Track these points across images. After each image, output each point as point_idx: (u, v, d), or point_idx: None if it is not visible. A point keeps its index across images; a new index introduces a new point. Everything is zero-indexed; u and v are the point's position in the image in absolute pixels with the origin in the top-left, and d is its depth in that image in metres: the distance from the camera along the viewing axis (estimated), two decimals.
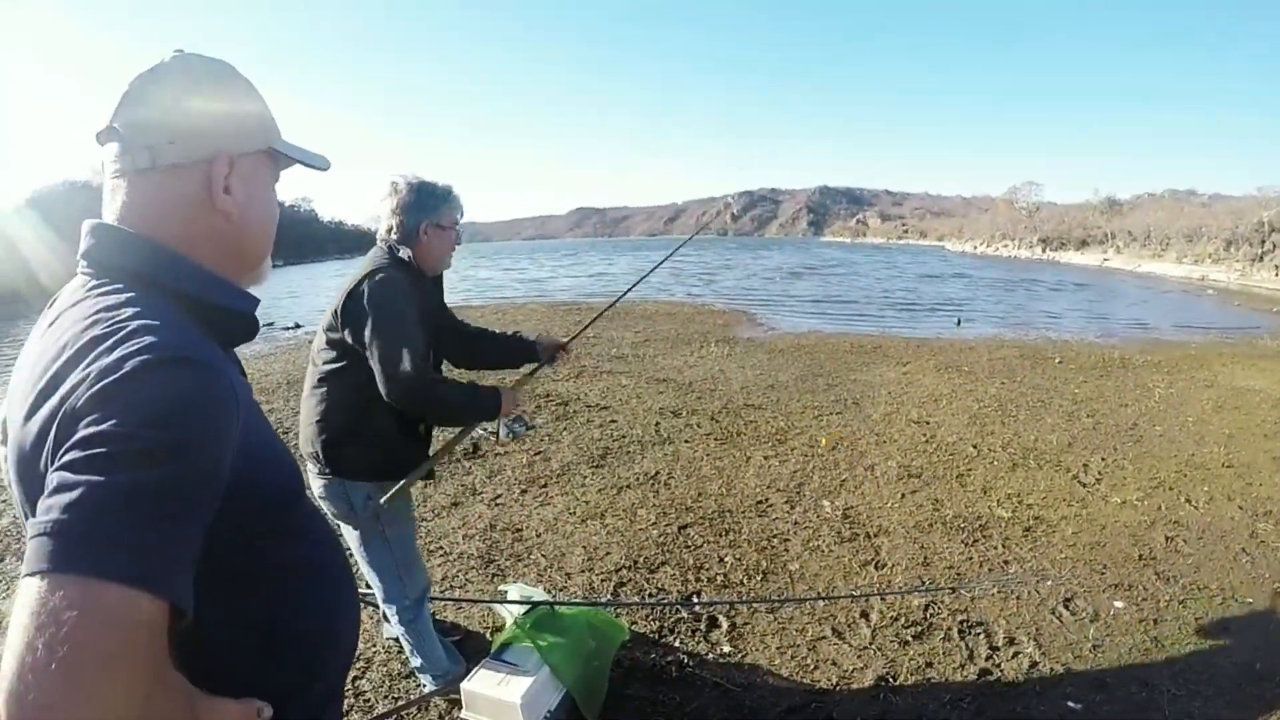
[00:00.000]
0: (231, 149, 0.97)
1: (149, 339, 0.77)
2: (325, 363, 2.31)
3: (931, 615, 3.28)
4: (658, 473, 5.15)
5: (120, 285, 0.87)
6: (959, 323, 15.14)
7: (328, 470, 2.33)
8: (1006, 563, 3.80)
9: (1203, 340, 12.38)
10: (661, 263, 3.97)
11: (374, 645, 3.03)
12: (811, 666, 2.93)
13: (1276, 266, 29.82)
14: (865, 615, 3.28)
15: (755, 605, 3.38)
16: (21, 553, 3.91)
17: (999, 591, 3.49)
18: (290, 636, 0.97)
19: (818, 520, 4.34)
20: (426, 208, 2.33)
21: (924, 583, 3.60)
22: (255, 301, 1.04)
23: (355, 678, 2.82)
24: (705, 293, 21.23)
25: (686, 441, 5.91)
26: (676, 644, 3.08)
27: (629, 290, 3.57)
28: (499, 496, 4.72)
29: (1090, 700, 2.70)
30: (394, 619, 2.56)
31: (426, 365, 2.19)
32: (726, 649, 3.05)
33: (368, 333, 2.15)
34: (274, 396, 7.53)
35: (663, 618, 3.27)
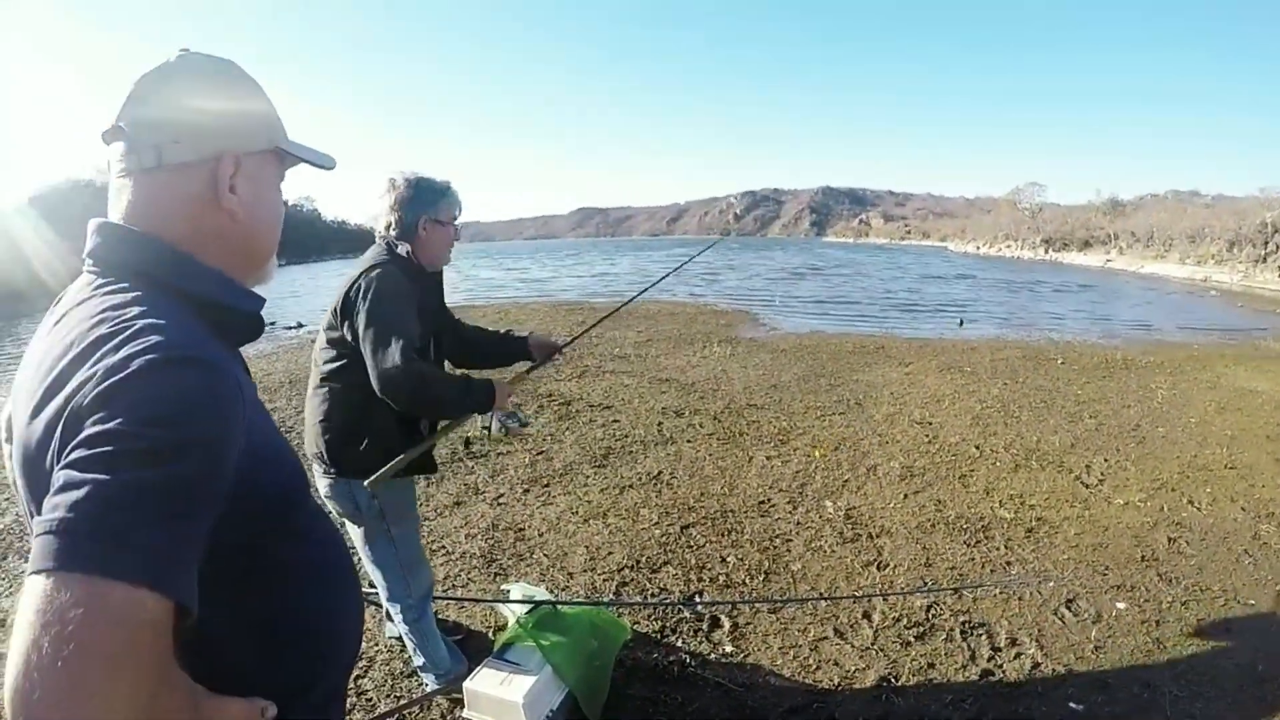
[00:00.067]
0: (237, 148, 0.97)
1: (155, 338, 0.77)
2: (326, 362, 2.32)
3: (934, 616, 3.28)
4: (660, 473, 5.15)
5: (126, 284, 0.88)
6: (961, 323, 15.12)
7: (332, 470, 2.33)
8: (1009, 564, 3.80)
9: (1205, 341, 12.36)
10: (667, 275, 4.03)
11: (376, 644, 3.03)
12: (814, 667, 2.93)
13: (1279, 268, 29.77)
14: (867, 616, 3.28)
15: (757, 605, 3.38)
16: (23, 551, 3.93)
17: (1001, 592, 3.48)
18: (294, 636, 0.98)
19: (820, 520, 4.34)
20: (425, 203, 2.34)
21: (926, 583, 3.60)
22: (261, 301, 1.04)
23: (357, 677, 2.83)
24: (708, 293, 21.22)
25: (689, 441, 5.91)
26: (679, 644, 3.08)
27: (629, 301, 3.61)
28: (501, 496, 4.72)
29: (1092, 701, 2.70)
30: (397, 618, 2.56)
31: (418, 358, 2.17)
32: (729, 649, 3.05)
33: (361, 326, 2.15)
34: (276, 395, 7.55)
35: (665, 617, 3.28)
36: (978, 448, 5.74)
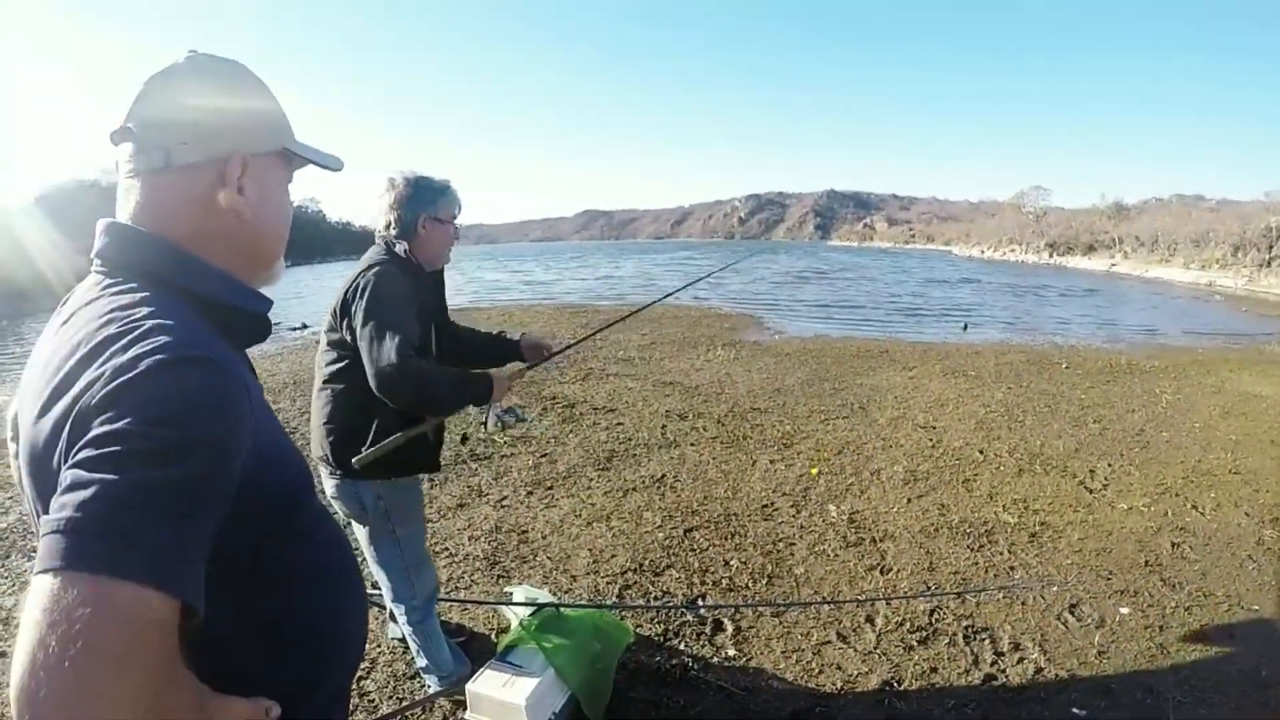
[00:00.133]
0: (245, 149, 0.98)
1: (163, 338, 0.78)
2: (328, 364, 2.32)
3: (937, 620, 3.28)
4: (664, 476, 5.15)
5: (134, 284, 0.88)
6: (965, 327, 15.10)
7: (338, 471, 2.34)
8: (1012, 568, 3.79)
9: (1210, 346, 12.32)
10: (675, 290, 4.08)
11: (379, 645, 3.03)
12: (816, 671, 2.93)
13: None
14: (870, 620, 3.28)
15: (760, 609, 3.38)
16: (26, 550, 3.94)
17: (1004, 597, 3.48)
18: (298, 636, 0.98)
19: (823, 524, 4.33)
20: (424, 201, 2.34)
21: (929, 588, 3.59)
22: (268, 303, 1.04)
23: (360, 678, 2.83)
24: (712, 296, 21.20)
25: (693, 445, 5.91)
26: (681, 647, 3.08)
27: (629, 315, 3.67)
28: (505, 498, 4.72)
29: (1095, 706, 2.70)
30: (402, 619, 2.57)
31: (415, 356, 2.15)
32: (731, 652, 3.05)
33: (359, 326, 2.16)
34: (280, 396, 7.56)
35: (668, 621, 3.27)
36: (981, 452, 5.73)
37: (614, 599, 3.46)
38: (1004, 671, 2.91)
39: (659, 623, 3.26)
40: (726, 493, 4.84)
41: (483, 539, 4.10)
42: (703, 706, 2.69)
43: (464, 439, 5.51)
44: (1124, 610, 3.37)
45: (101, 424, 0.71)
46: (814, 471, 5.26)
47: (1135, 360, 10.27)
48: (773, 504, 4.64)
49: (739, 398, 7.62)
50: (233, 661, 0.89)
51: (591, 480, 5.08)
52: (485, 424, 2.63)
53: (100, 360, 0.76)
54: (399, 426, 2.31)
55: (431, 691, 2.65)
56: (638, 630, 3.13)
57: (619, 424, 6.53)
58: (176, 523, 0.70)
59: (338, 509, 2.43)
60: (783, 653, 3.04)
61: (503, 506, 4.59)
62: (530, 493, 4.83)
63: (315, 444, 2.40)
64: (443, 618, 3.12)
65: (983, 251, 77.25)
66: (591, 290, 27.09)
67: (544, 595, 3.15)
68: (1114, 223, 56.95)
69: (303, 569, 0.99)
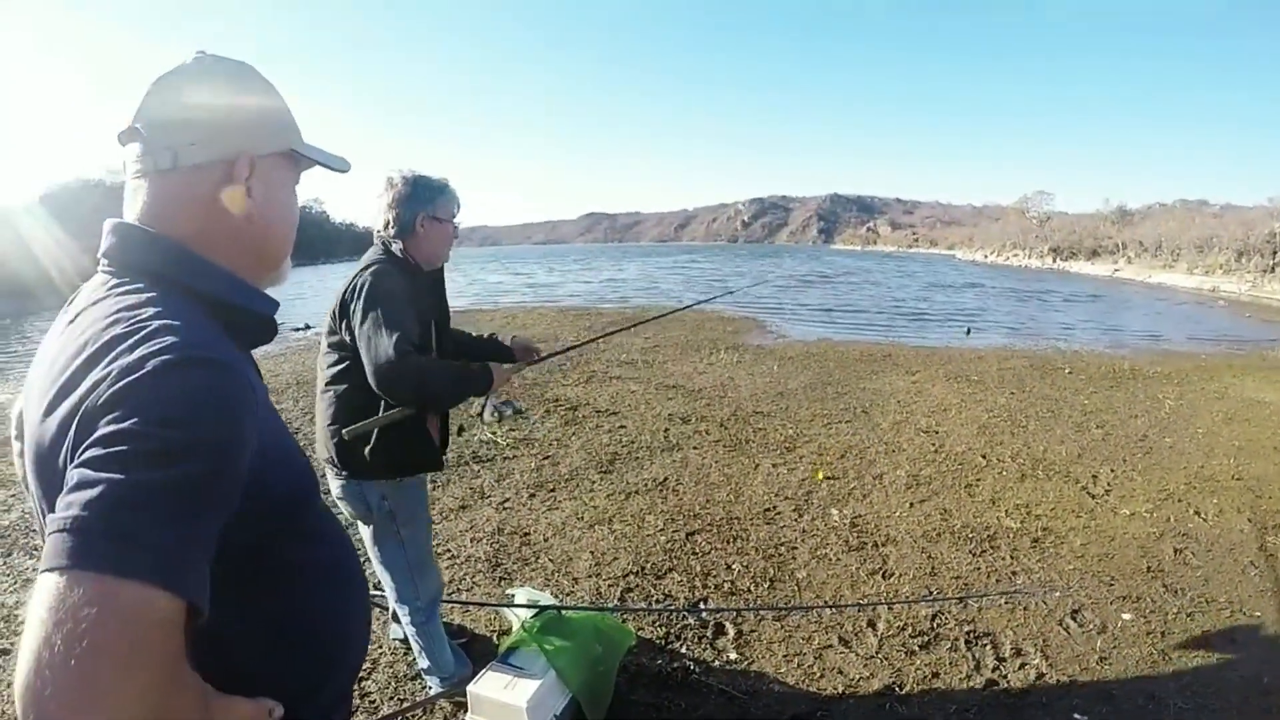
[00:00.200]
0: (252, 150, 0.98)
1: (170, 339, 0.78)
2: (329, 366, 2.33)
3: (938, 625, 3.27)
4: (666, 479, 5.15)
5: (141, 284, 0.88)
6: (968, 332, 15.09)
7: (344, 471, 2.34)
8: (1014, 573, 3.78)
9: (1213, 352, 12.30)
10: (683, 307, 4.05)
11: (380, 646, 3.04)
12: (817, 675, 2.92)
13: None
14: (872, 624, 3.27)
15: (762, 613, 3.38)
16: (28, 548, 3.95)
17: (1006, 602, 3.47)
18: (302, 637, 0.98)
19: (825, 529, 4.33)
20: (423, 200, 2.34)
21: (931, 592, 3.59)
22: (275, 304, 1.05)
23: (361, 678, 2.83)
24: (714, 300, 21.19)
25: (695, 448, 5.91)
26: (683, 650, 3.08)
27: (629, 327, 3.64)
28: (507, 500, 4.73)
29: (1096, 712, 2.69)
30: (405, 620, 2.57)
31: (414, 352, 2.13)
32: (733, 656, 3.05)
33: (357, 325, 2.16)
34: (283, 397, 7.58)
35: (669, 624, 3.27)
36: (984, 457, 5.73)
37: (616, 601, 3.46)
38: (1005, 677, 2.90)
39: (660, 626, 3.26)
40: (729, 496, 4.83)
41: (485, 541, 4.10)
42: (704, 710, 2.69)
43: (460, 430, 5.50)
44: (1126, 616, 3.36)
45: (108, 424, 0.71)
46: (819, 476, 5.25)
47: (1138, 366, 10.25)
48: (775, 508, 4.64)
49: (742, 401, 7.61)
50: (236, 662, 0.88)
51: (594, 483, 5.08)
52: (481, 415, 2.62)
53: (107, 360, 0.77)
54: (403, 426, 2.31)
55: (433, 693, 2.65)
56: (639, 633, 3.13)
57: (621, 427, 6.53)
58: (182, 523, 0.70)
59: (343, 509, 2.43)
60: (784, 656, 3.04)
61: (505, 508, 4.59)
62: (532, 495, 4.83)
63: (320, 445, 2.41)
64: (444, 619, 3.12)
65: (986, 256, 77.24)
66: (595, 293, 27.10)
67: (546, 597, 3.15)
68: (1118, 228, 56.94)
69: (306, 569, 0.99)
